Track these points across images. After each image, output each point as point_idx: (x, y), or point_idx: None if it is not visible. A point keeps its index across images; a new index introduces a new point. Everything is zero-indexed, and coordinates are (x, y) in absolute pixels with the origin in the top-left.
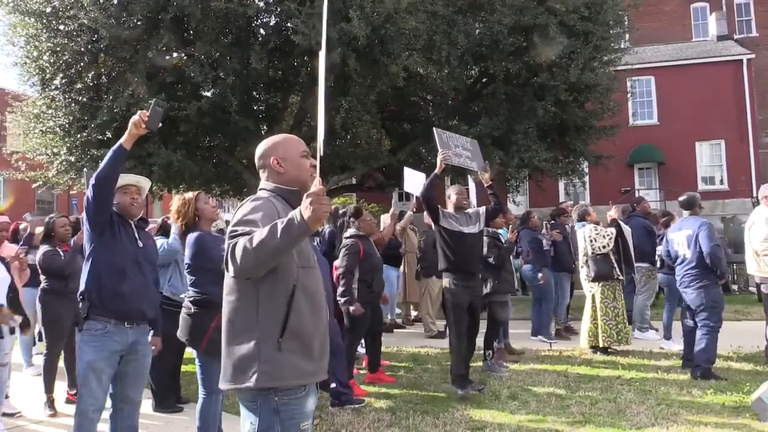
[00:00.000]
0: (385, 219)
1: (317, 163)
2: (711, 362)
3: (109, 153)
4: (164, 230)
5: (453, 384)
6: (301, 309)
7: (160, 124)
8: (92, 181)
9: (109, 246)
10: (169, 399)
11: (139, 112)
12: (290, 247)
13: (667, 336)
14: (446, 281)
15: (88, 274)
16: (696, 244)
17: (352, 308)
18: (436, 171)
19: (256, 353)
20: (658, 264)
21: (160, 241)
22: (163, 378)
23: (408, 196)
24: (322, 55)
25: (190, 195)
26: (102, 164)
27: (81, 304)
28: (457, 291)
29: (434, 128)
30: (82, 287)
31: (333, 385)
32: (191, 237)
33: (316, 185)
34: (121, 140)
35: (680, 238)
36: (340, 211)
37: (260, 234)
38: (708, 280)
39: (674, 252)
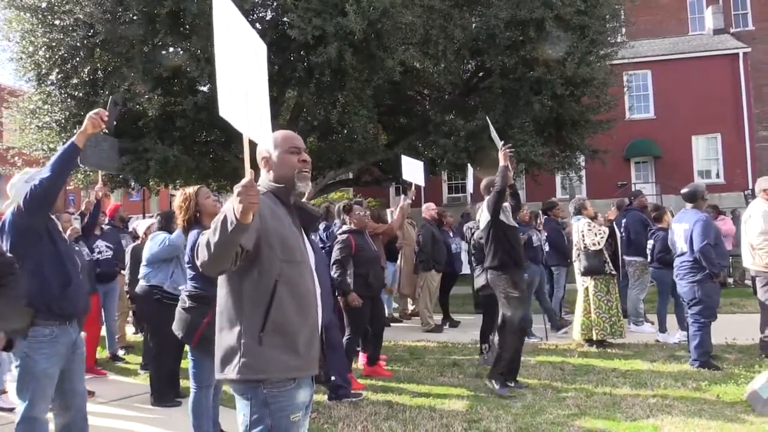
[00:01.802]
0: (389, 212)
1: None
2: (708, 354)
3: (60, 152)
4: (167, 222)
5: (492, 379)
6: (284, 304)
7: (115, 123)
8: (44, 182)
9: (50, 248)
10: (168, 394)
11: (97, 109)
12: (230, 242)
13: (662, 329)
14: (502, 278)
15: (29, 281)
16: (691, 239)
17: (348, 298)
18: (502, 163)
19: (239, 345)
20: (649, 258)
21: (161, 236)
22: (162, 373)
23: (405, 190)
24: None
25: (191, 190)
26: (52, 165)
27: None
28: (519, 289)
29: (487, 118)
30: None
31: (333, 378)
32: (192, 233)
33: (246, 177)
34: (74, 138)
35: (679, 231)
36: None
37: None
38: (702, 274)
39: (674, 242)
